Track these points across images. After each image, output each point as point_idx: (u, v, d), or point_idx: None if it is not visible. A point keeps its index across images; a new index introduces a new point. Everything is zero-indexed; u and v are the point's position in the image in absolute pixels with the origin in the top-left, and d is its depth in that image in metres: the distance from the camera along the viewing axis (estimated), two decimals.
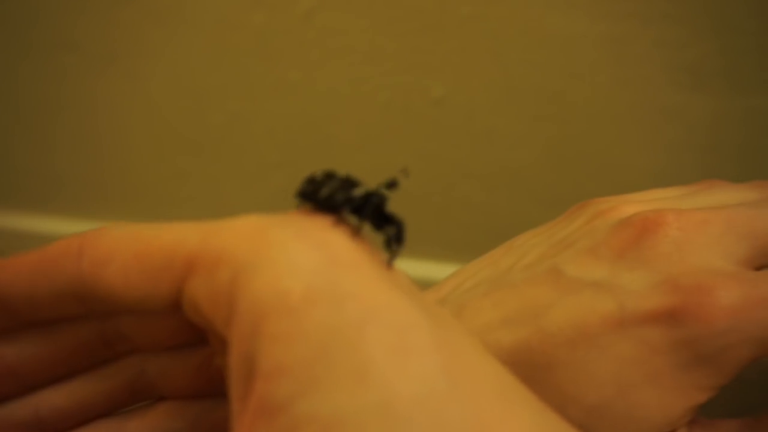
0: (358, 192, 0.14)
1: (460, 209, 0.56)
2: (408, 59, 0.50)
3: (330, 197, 0.13)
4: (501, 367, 0.12)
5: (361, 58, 0.51)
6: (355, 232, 0.13)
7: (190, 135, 0.60)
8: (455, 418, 0.10)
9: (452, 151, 0.55)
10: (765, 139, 0.51)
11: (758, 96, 0.49)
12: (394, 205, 0.17)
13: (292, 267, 0.12)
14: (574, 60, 0.48)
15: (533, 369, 0.15)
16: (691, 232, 0.15)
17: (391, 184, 0.15)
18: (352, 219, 0.14)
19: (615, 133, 0.52)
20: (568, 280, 0.16)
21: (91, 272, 0.14)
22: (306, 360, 0.11)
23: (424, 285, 0.26)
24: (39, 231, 0.74)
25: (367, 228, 0.14)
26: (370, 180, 0.19)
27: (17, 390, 0.15)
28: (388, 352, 0.11)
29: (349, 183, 0.14)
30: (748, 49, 0.46)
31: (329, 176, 0.14)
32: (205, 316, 0.13)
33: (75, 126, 0.62)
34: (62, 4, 0.53)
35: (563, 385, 0.15)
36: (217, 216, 0.68)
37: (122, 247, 0.14)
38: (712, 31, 0.45)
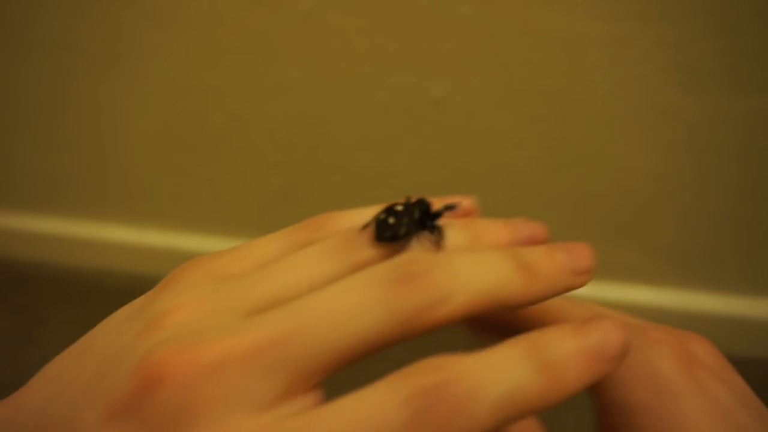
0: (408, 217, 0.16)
1: None
2: (408, 59, 0.50)
3: (405, 233, 0.16)
4: None
5: (361, 58, 0.51)
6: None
7: (191, 135, 0.60)
8: None
9: (452, 151, 0.55)
10: (765, 139, 0.51)
11: (758, 96, 0.49)
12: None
13: None
14: (574, 60, 0.48)
15: None
16: (201, 384, 0.12)
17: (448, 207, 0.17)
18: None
19: (615, 133, 0.52)
20: None
21: None
22: None
23: None
24: (39, 231, 0.74)
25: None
26: (369, 181, 0.19)
27: None
28: None
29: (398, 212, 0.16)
30: (748, 49, 0.46)
31: (389, 214, 0.16)
32: None
33: (75, 127, 0.62)
34: (63, 6, 0.53)
35: None
36: (216, 216, 0.68)
37: None
38: (712, 31, 0.45)
